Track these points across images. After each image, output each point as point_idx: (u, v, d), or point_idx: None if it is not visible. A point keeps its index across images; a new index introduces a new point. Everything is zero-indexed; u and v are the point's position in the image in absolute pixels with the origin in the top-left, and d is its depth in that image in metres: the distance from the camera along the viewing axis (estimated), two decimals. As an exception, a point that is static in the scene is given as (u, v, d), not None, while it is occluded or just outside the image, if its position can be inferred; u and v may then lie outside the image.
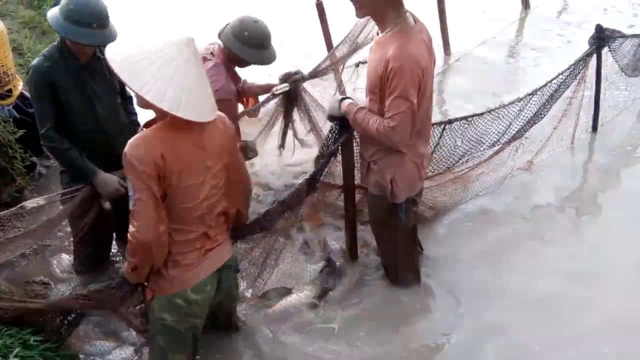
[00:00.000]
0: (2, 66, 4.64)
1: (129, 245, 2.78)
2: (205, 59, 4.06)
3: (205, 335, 3.20)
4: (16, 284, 3.66)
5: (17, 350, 2.75)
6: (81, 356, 3.39)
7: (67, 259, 4.33)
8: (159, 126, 2.74)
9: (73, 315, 3.15)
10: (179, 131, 2.72)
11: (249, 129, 4.96)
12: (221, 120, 2.94)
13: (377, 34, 3.44)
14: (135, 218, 2.71)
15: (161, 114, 2.71)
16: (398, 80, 3.20)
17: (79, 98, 3.66)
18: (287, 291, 3.95)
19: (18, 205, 3.67)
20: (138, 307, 3.19)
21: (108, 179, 3.70)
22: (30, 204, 3.64)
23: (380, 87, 3.32)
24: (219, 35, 4.06)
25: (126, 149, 2.68)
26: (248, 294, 3.83)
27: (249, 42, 3.96)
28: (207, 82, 2.80)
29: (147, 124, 2.83)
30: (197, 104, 2.67)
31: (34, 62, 3.68)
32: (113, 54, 2.64)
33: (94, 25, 3.48)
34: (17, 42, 5.87)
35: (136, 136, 2.73)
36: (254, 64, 4.12)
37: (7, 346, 2.77)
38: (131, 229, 2.74)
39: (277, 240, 3.66)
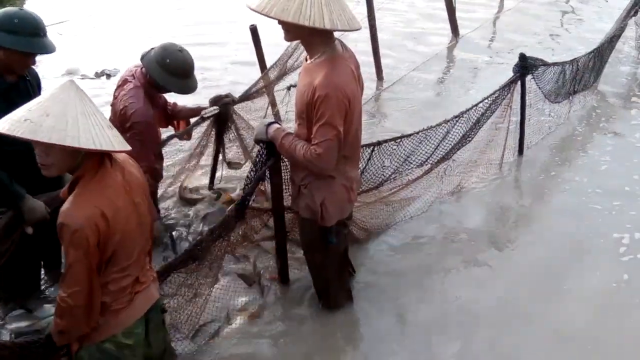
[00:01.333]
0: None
1: (57, 308, 2.65)
2: (126, 81, 4.05)
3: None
4: None
5: None
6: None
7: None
8: (85, 182, 2.60)
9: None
10: (109, 179, 2.62)
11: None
12: (130, 162, 2.84)
13: (306, 60, 3.47)
14: (66, 284, 2.59)
15: (85, 164, 2.59)
16: (325, 109, 3.23)
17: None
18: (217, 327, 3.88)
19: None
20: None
21: (36, 205, 3.57)
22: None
23: (307, 114, 3.35)
24: (141, 59, 4.03)
25: (61, 219, 2.52)
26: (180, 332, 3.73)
27: (171, 71, 3.96)
28: (100, 115, 2.60)
29: (71, 186, 2.66)
30: (101, 134, 2.50)
31: None
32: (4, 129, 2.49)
33: (41, 35, 3.44)
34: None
35: (68, 203, 2.56)
36: (174, 92, 4.10)
37: None
38: (61, 293, 2.61)
39: (210, 269, 3.60)
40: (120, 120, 3.94)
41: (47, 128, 2.41)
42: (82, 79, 7.77)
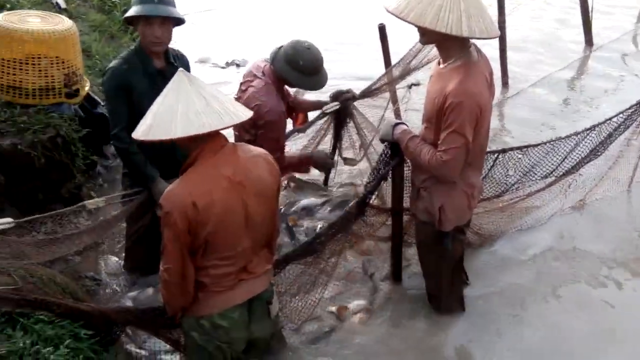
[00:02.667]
0: (72, 66, 4.83)
1: (159, 280, 2.88)
2: (255, 77, 4.14)
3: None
4: (70, 278, 3.77)
5: (67, 341, 2.85)
6: (132, 352, 3.47)
7: (114, 261, 4.45)
8: (192, 169, 2.76)
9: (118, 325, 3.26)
10: (213, 169, 2.74)
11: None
12: (264, 158, 2.94)
13: (439, 64, 3.45)
14: (163, 260, 2.80)
15: (194, 150, 2.75)
16: (455, 116, 3.22)
17: (150, 102, 3.75)
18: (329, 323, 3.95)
19: (79, 204, 3.82)
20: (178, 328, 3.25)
21: (164, 189, 3.77)
22: (91, 204, 3.77)
23: (436, 119, 3.34)
24: (272, 61, 4.11)
25: (160, 199, 2.75)
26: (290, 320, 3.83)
27: (302, 70, 4.03)
28: (217, 94, 2.75)
29: (183, 169, 2.83)
30: (206, 118, 2.62)
31: (112, 64, 3.81)
32: (138, 134, 2.69)
33: (155, 0, 3.61)
34: (86, 44, 6.06)
35: (170, 186, 2.77)
36: (307, 90, 4.19)
37: (59, 337, 2.86)
38: (160, 267, 2.83)
39: (326, 264, 3.68)
40: (253, 117, 4.03)
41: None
42: (213, 67, 8.11)
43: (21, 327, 2.84)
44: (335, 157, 5.08)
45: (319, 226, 4.63)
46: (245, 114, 2.75)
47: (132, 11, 3.64)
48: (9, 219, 3.54)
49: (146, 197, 3.82)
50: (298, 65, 4.00)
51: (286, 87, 4.34)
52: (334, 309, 3.99)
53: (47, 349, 2.76)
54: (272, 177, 2.94)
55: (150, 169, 3.81)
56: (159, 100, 2.71)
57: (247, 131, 3.99)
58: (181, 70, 2.74)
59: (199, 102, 2.63)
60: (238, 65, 8.14)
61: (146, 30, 3.69)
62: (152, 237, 4.02)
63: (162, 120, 2.61)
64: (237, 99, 4.12)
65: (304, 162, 4.61)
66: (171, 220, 2.67)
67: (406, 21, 3.16)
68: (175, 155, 3.79)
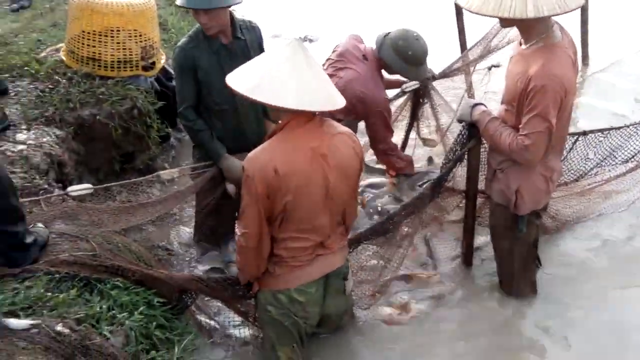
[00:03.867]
0: (149, 39, 4.91)
1: (236, 245, 2.92)
2: (355, 59, 4.13)
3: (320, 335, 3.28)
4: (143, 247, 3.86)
5: (141, 308, 2.92)
6: (202, 322, 3.52)
7: (186, 232, 4.51)
8: (278, 136, 2.78)
9: (190, 293, 3.31)
10: (299, 140, 2.74)
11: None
12: (349, 136, 2.92)
13: (520, 44, 3.33)
14: (240, 224, 2.85)
15: (285, 118, 2.76)
16: (539, 100, 3.10)
17: (217, 78, 3.72)
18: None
19: (154, 174, 3.90)
20: (250, 300, 3.29)
21: (232, 165, 3.79)
22: (165, 175, 3.85)
23: (518, 102, 3.23)
24: (379, 50, 4.12)
25: (244, 161, 2.78)
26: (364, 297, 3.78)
27: (410, 61, 4.06)
28: (324, 76, 2.79)
29: (270, 135, 2.86)
30: (315, 96, 2.66)
31: (180, 42, 3.84)
32: (233, 81, 2.72)
33: None
34: (162, 18, 6.15)
35: (254, 150, 2.79)
36: (411, 80, 4.18)
37: (133, 303, 2.94)
38: (237, 231, 2.87)
39: (399, 245, 3.64)
40: (352, 102, 3.91)
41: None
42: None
43: (98, 292, 2.93)
44: (411, 137, 5.03)
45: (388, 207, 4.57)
46: (341, 101, 2.77)
47: (179, 1, 3.63)
48: (89, 185, 3.65)
49: (217, 171, 3.85)
50: (406, 55, 4.04)
51: None
52: (405, 297, 3.93)
53: (123, 314, 2.83)
54: (355, 156, 2.92)
55: (216, 146, 3.84)
56: (268, 62, 2.71)
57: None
58: (297, 40, 2.74)
59: (312, 78, 2.66)
60: (311, 41, 8.10)
61: (195, 16, 3.70)
62: (221, 211, 4.11)
63: (271, 85, 2.62)
64: (330, 76, 4.04)
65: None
66: (252, 184, 2.70)
67: (471, 11, 3.08)
68: (243, 131, 3.83)
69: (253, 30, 3.92)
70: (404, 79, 4.64)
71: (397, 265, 3.69)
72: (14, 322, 2.54)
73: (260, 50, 3.87)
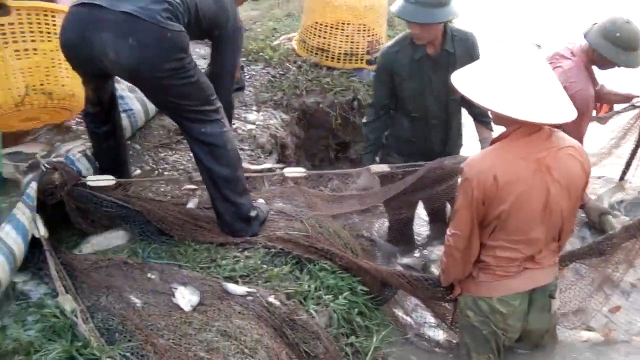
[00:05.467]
0: (375, 34, 5.04)
1: (444, 246, 2.90)
2: (563, 57, 3.94)
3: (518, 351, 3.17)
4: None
5: (345, 293, 3.01)
6: (399, 317, 3.55)
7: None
8: (501, 144, 2.71)
9: (391, 288, 3.36)
10: (523, 149, 2.65)
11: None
12: (577, 150, 2.77)
13: None
14: (451, 225, 2.81)
15: (510, 127, 2.68)
16: None
17: (412, 85, 3.79)
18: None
19: (365, 167, 4.01)
20: (448, 303, 3.27)
21: (370, 182, 3.94)
22: (375, 169, 3.93)
23: None
24: (585, 35, 3.89)
25: (464, 163, 2.76)
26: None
27: (619, 44, 3.75)
28: (557, 85, 2.66)
29: (494, 140, 2.80)
30: (546, 106, 2.55)
31: (387, 44, 3.92)
32: (459, 82, 2.69)
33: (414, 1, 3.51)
34: (390, 14, 6.24)
35: (475, 155, 2.76)
36: (621, 66, 3.87)
37: (339, 287, 3.04)
38: (447, 232, 2.85)
39: (615, 269, 3.41)
40: None
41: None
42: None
43: (307, 271, 3.07)
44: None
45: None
46: (571, 114, 2.62)
47: (395, 9, 3.62)
48: (302, 169, 3.84)
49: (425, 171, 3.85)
50: (614, 38, 3.75)
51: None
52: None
53: (328, 296, 2.94)
54: (582, 172, 2.78)
55: (368, 156, 4.04)
56: (498, 68, 2.65)
57: None
58: (531, 47, 2.69)
59: (544, 88, 2.58)
60: (539, 47, 7.80)
61: (408, 24, 3.67)
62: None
63: (501, 93, 2.57)
64: None
65: None
66: (469, 187, 2.67)
67: None
68: (429, 139, 3.95)
69: (465, 42, 3.81)
70: (636, 94, 4.31)
71: (609, 288, 3.45)
72: (232, 287, 2.75)
73: (472, 61, 3.82)
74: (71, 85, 3.41)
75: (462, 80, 2.71)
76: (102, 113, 3.17)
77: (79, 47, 2.78)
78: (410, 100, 3.83)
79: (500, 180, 2.62)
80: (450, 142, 4.02)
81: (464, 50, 3.77)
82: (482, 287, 2.89)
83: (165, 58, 2.73)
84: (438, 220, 4.43)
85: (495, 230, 2.76)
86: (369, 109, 3.97)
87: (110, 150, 3.30)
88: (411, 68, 3.74)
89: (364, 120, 4.06)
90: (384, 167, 4.03)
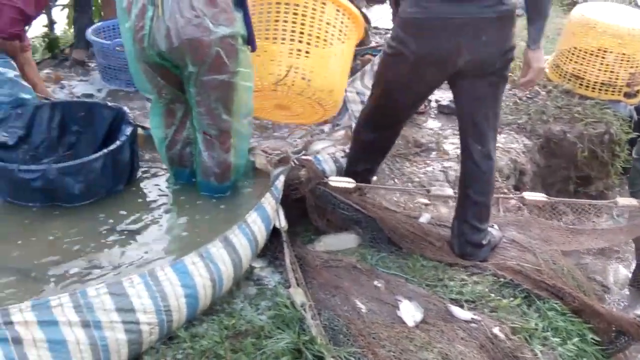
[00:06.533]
0: (637, 66, 4.66)
1: None
2: None
3: None
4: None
5: (575, 339, 2.81)
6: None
7: (623, 273, 4.23)
8: None
9: (626, 337, 3.07)
10: None
11: None
12: None
13: None
14: None
15: None
16: None
17: None
18: None
19: (612, 200, 3.75)
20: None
21: None
22: (623, 202, 3.64)
23: None
24: None
25: None
26: None
27: None
28: None
29: None
30: None
31: None
32: None
33: None
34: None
35: None
36: None
37: (567, 331, 2.84)
38: None
39: None
40: None
41: None
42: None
43: (536, 308, 2.91)
44: None
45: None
46: None
47: None
48: (543, 195, 3.66)
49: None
50: None
51: None
52: None
53: (556, 339, 2.76)
54: None
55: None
56: None
57: None
58: None
59: None
60: None
61: None
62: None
63: None
64: None
65: None
66: None
67: None
68: None
69: None
70: None
71: None
72: (458, 311, 2.69)
73: None
74: (333, 81, 3.42)
75: None
76: None
77: None
78: None
79: None
80: None
81: None
82: None
83: None
84: None
85: None
86: None
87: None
88: None
89: (634, 155, 3.75)
90: (635, 202, 3.72)
